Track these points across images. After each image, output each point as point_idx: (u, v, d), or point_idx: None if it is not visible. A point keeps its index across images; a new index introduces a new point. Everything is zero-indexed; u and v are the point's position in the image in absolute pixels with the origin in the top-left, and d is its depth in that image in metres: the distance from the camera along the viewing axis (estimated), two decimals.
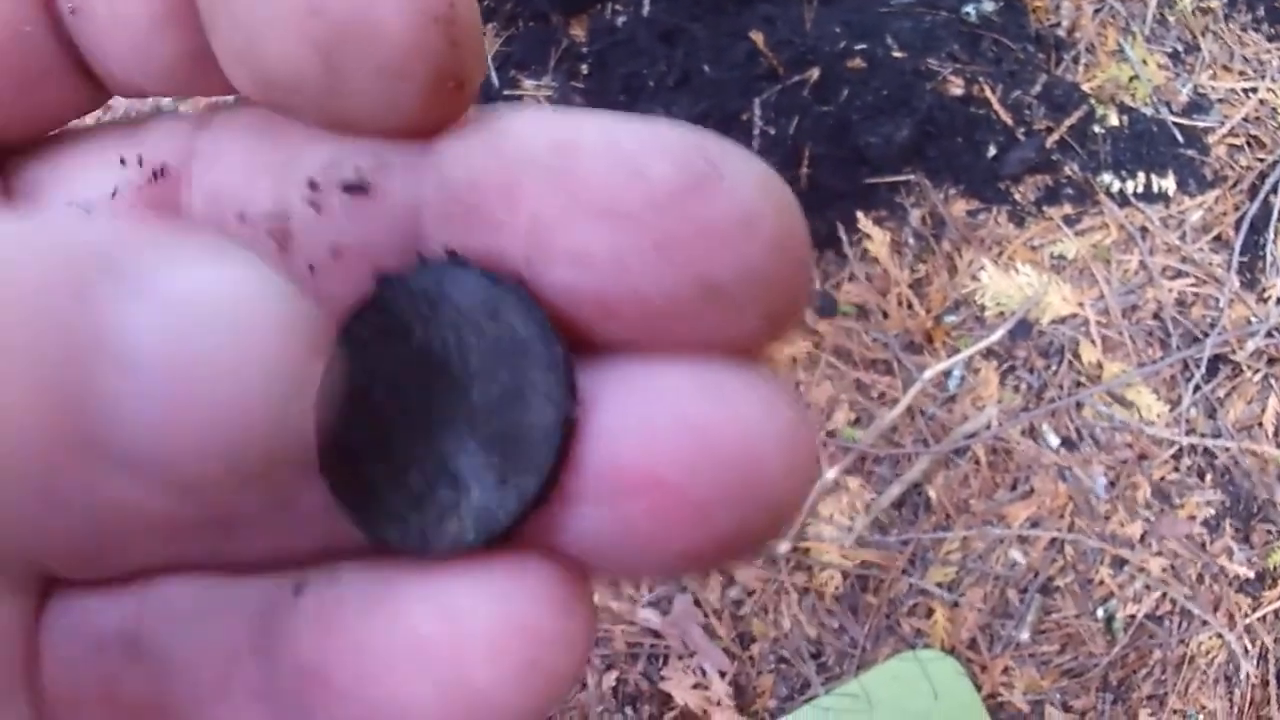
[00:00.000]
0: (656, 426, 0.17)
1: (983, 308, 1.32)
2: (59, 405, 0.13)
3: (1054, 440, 1.29)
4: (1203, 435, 1.31)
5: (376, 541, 0.18)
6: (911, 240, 1.33)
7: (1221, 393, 1.33)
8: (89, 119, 0.21)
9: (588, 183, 0.17)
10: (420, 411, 0.18)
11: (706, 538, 0.17)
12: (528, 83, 1.34)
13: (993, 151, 1.35)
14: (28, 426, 0.13)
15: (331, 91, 0.17)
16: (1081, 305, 1.33)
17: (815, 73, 1.29)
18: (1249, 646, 1.25)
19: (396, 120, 0.18)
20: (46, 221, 0.16)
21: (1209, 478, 1.30)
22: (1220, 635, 1.25)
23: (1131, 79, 1.43)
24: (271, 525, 0.19)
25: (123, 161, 0.19)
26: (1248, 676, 1.24)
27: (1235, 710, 1.23)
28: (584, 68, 1.34)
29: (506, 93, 1.34)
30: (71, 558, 0.18)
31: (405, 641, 0.17)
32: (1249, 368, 1.34)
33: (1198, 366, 1.32)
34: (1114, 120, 1.40)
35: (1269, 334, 1.35)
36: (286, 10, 0.17)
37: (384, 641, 0.17)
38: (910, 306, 1.30)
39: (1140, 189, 1.38)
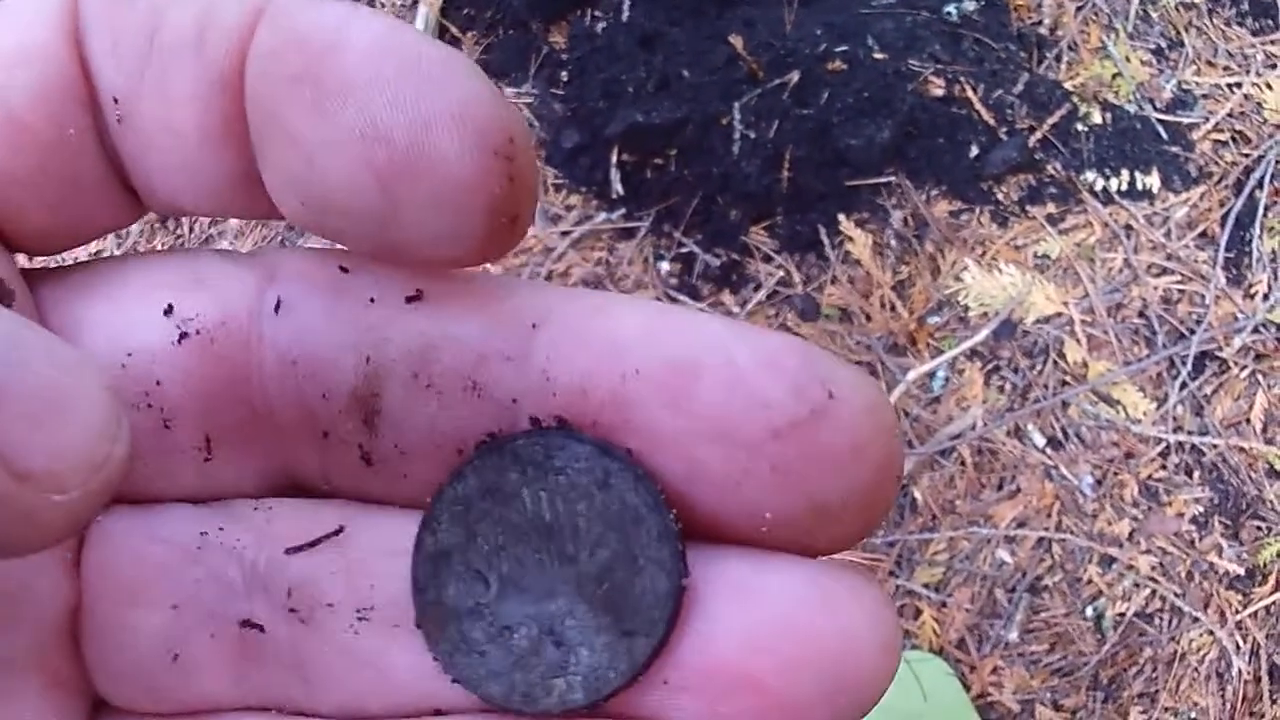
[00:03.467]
0: (763, 631, 0.17)
1: (966, 308, 1.31)
2: None
3: (1040, 440, 1.29)
4: (1190, 432, 1.30)
5: (480, 697, 0.18)
6: (894, 242, 1.33)
7: (1208, 389, 1.33)
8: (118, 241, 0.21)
9: (708, 408, 0.17)
10: (525, 573, 0.18)
11: None
12: (508, 90, 1.34)
13: (975, 151, 1.35)
14: None
15: (387, 221, 0.17)
16: (1066, 304, 1.33)
17: (795, 75, 1.29)
18: (1240, 643, 1.25)
19: (449, 252, 0.18)
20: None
21: (1197, 475, 1.30)
22: (1211, 632, 1.24)
23: (1115, 76, 1.43)
24: (348, 677, 0.19)
25: (181, 324, 0.19)
26: (1239, 673, 1.24)
27: (1227, 707, 1.23)
28: (564, 74, 1.34)
29: None
30: (123, 680, 0.19)
31: None
32: (1236, 364, 1.33)
33: (1184, 364, 1.32)
34: (1097, 118, 1.40)
35: (1255, 330, 1.34)
36: (347, 134, 0.17)
37: None
38: (893, 308, 1.30)
39: (1124, 187, 1.37)
